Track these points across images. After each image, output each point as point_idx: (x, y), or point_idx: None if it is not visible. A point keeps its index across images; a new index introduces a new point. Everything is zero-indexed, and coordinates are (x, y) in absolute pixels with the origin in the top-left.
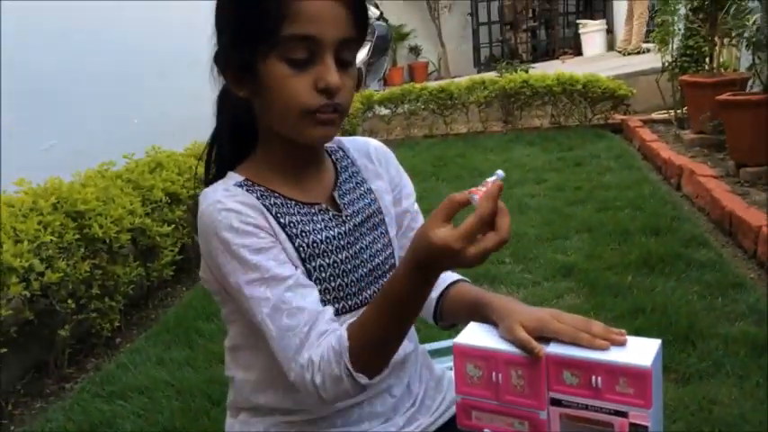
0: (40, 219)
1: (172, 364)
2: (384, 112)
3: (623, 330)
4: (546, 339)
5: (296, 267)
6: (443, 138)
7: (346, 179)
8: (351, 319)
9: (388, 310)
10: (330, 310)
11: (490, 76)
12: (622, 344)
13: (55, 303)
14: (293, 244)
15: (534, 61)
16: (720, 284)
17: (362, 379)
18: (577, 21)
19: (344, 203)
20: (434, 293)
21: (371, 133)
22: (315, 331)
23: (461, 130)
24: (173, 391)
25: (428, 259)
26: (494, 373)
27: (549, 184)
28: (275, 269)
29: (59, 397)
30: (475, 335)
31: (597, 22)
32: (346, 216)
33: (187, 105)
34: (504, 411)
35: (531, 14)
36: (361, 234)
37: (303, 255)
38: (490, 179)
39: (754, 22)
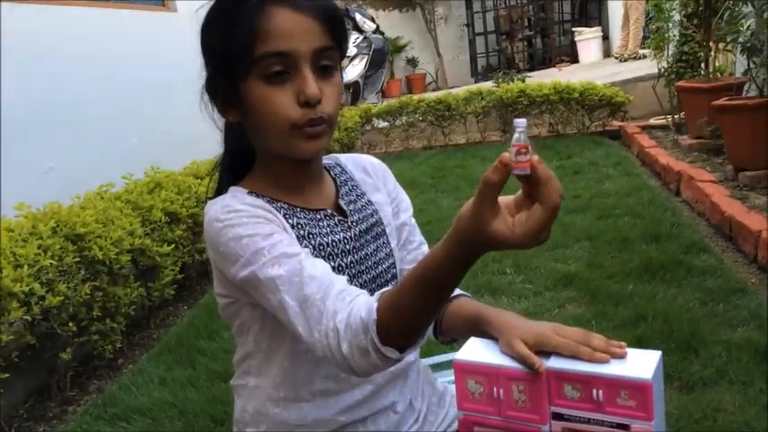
0: (39, 243)
1: (174, 384)
2: (382, 124)
3: (623, 343)
4: (546, 353)
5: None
6: (442, 149)
7: (347, 192)
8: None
9: (425, 287)
10: (344, 278)
11: (487, 85)
12: (622, 356)
13: (56, 327)
14: (301, 245)
15: (531, 70)
16: (722, 290)
17: (392, 353)
18: (573, 28)
19: (350, 210)
20: None
21: (370, 146)
22: (330, 296)
23: (460, 141)
24: (175, 412)
25: (484, 252)
26: (495, 389)
27: None
28: (284, 248)
29: (62, 420)
30: (475, 351)
31: (593, 29)
32: (352, 222)
33: (186, 125)
34: (507, 426)
35: (526, 23)
36: (365, 241)
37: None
38: (519, 137)
39: (749, 27)
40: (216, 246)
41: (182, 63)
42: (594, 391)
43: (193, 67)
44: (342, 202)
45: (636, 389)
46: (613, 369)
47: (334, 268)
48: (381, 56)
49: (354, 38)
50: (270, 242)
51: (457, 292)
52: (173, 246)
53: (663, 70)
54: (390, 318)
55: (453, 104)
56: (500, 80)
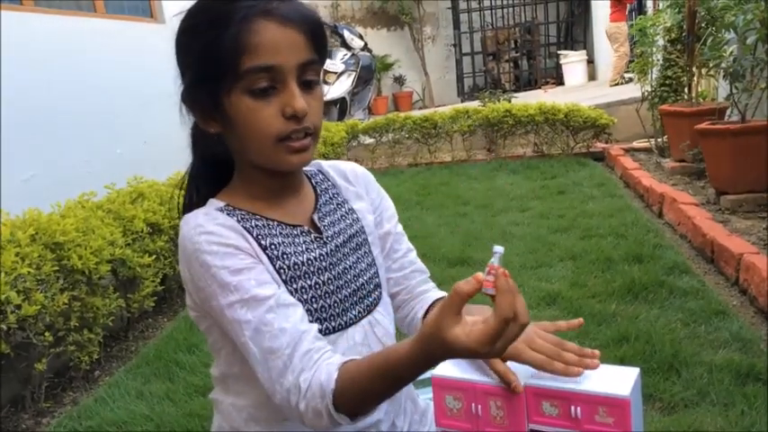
0: (17, 250)
1: (151, 397)
2: (369, 140)
3: (596, 352)
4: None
5: (278, 285)
6: (428, 166)
7: (326, 201)
8: (337, 338)
9: (386, 379)
10: (315, 328)
11: (474, 105)
12: (595, 368)
13: (32, 336)
14: (274, 266)
15: (517, 91)
16: (703, 312)
17: (343, 420)
18: (558, 51)
19: (324, 225)
20: (419, 313)
21: (356, 162)
22: (298, 353)
23: (446, 159)
24: (152, 426)
25: (443, 356)
26: (473, 405)
27: (533, 212)
28: (255, 290)
29: None
30: (453, 366)
31: (578, 52)
32: (327, 237)
33: (170, 136)
34: None
35: (513, 45)
36: (343, 255)
37: (284, 276)
38: (493, 261)
39: (731, 53)
40: (186, 266)
41: (168, 74)
42: (573, 408)
43: (179, 79)
44: (315, 217)
45: (614, 406)
46: (592, 386)
47: (311, 286)
48: (369, 73)
49: (342, 54)
50: (238, 279)
51: (439, 295)
52: (154, 257)
53: (646, 94)
54: (347, 390)
55: (440, 122)
56: (486, 100)
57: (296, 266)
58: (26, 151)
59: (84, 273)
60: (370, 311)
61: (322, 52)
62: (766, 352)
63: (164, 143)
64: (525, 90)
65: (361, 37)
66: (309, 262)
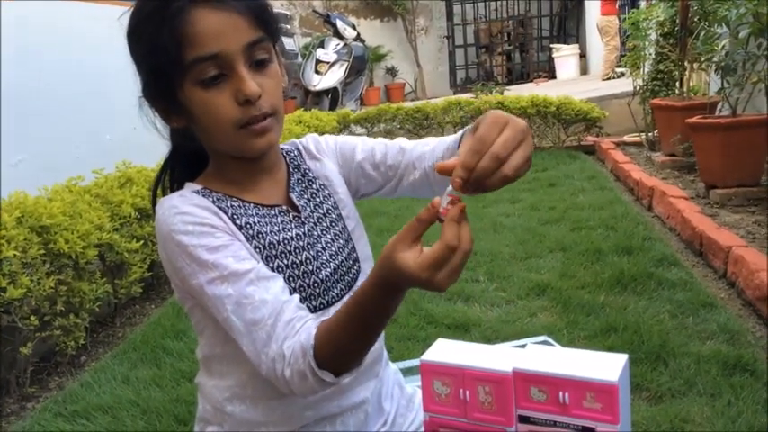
0: (3, 233)
1: (138, 383)
2: (360, 131)
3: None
4: (508, 355)
5: (257, 261)
6: None
7: (299, 179)
8: (319, 317)
9: (355, 319)
10: (296, 298)
11: (466, 97)
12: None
13: (17, 320)
14: (251, 245)
15: (509, 84)
16: (691, 304)
17: (327, 376)
18: (551, 45)
19: (302, 204)
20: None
21: None
22: (281, 322)
23: None
24: (138, 411)
25: (396, 282)
26: (461, 390)
27: (524, 203)
28: (234, 265)
29: (20, 416)
30: (442, 351)
31: (570, 46)
32: (305, 217)
33: (159, 121)
34: (473, 429)
35: (506, 38)
36: (320, 233)
37: (261, 255)
38: (448, 191)
39: (723, 47)
40: (163, 248)
41: None
42: (561, 394)
43: None
44: (293, 196)
45: (602, 391)
46: (580, 371)
47: (287, 265)
48: (361, 63)
49: (335, 44)
50: (215, 256)
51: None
52: (141, 242)
53: (638, 88)
54: (325, 343)
55: (431, 113)
56: (479, 92)
57: (272, 245)
58: (15, 136)
59: (71, 257)
60: (350, 287)
61: (269, 28)
62: (753, 343)
63: (153, 132)
64: (518, 83)
65: (353, 27)
66: (286, 241)
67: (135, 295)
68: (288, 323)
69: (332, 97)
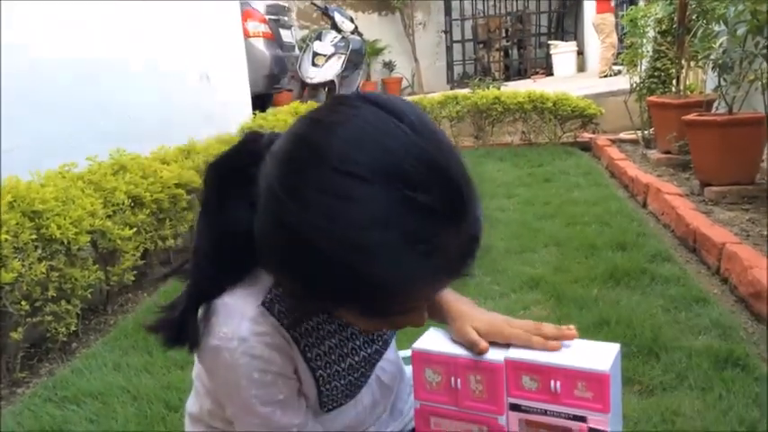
0: None
1: (129, 369)
2: None
3: (572, 326)
4: (500, 345)
5: (304, 414)
6: None
7: None
8: (346, 408)
9: None
10: None
11: (463, 92)
12: (572, 338)
13: (8, 304)
14: (314, 375)
15: (506, 80)
16: (684, 299)
17: None
18: (549, 42)
19: None
20: None
21: None
22: None
23: None
24: (128, 397)
25: None
26: (452, 379)
27: (519, 198)
28: (281, 419)
29: (10, 402)
30: (433, 340)
31: (568, 43)
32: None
33: (155, 113)
34: (463, 417)
35: (504, 34)
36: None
37: (320, 382)
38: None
39: (721, 44)
40: (211, 368)
41: (156, 50)
42: (552, 382)
43: (167, 56)
44: None
45: (593, 380)
46: (572, 360)
47: (344, 369)
48: (359, 57)
49: (332, 37)
50: (266, 411)
51: None
52: (134, 230)
53: (635, 85)
54: None
55: (428, 108)
56: (476, 87)
57: (336, 374)
58: (8, 122)
59: (63, 243)
60: (374, 365)
61: None
62: (745, 339)
63: (148, 118)
64: (515, 79)
65: (351, 20)
66: (352, 366)
67: (127, 283)
68: None
69: (329, 90)
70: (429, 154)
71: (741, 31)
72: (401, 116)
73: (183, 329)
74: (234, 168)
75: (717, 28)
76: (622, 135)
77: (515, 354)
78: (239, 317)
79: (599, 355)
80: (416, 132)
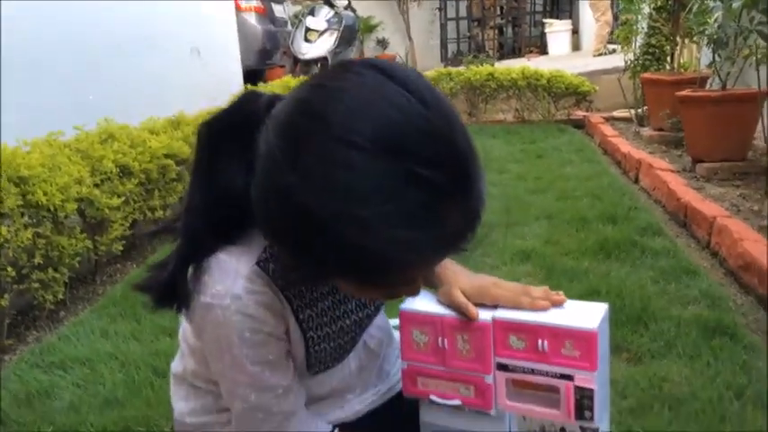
0: None
1: (117, 336)
2: None
3: (561, 292)
4: (488, 307)
5: (292, 373)
6: None
7: None
8: (332, 372)
9: None
10: (303, 414)
11: (457, 69)
12: (561, 303)
13: None
14: (303, 336)
15: (501, 58)
16: (674, 271)
17: None
18: (544, 20)
19: None
20: None
21: None
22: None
23: None
24: (116, 363)
25: None
26: (440, 339)
27: (511, 174)
28: (270, 379)
29: None
30: (421, 301)
31: (563, 21)
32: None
33: (144, 83)
34: (450, 377)
35: (498, 12)
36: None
37: (310, 343)
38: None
39: (716, 20)
40: (200, 324)
41: (146, 23)
42: (540, 342)
43: (158, 28)
44: None
45: (581, 338)
46: (559, 319)
47: (334, 332)
48: (351, 33)
49: (326, 12)
50: (256, 369)
51: None
52: (123, 199)
53: (629, 62)
54: None
55: None
56: (469, 64)
57: (327, 336)
58: None
59: (50, 210)
60: (363, 329)
61: None
62: (734, 309)
63: (138, 92)
64: (509, 58)
65: None
66: (342, 329)
67: (116, 253)
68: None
69: (321, 66)
70: (435, 126)
71: (736, 5)
72: (408, 85)
73: (172, 289)
74: (229, 126)
75: (712, 3)
76: (615, 113)
77: (503, 313)
78: (234, 275)
79: (587, 315)
80: (423, 103)
